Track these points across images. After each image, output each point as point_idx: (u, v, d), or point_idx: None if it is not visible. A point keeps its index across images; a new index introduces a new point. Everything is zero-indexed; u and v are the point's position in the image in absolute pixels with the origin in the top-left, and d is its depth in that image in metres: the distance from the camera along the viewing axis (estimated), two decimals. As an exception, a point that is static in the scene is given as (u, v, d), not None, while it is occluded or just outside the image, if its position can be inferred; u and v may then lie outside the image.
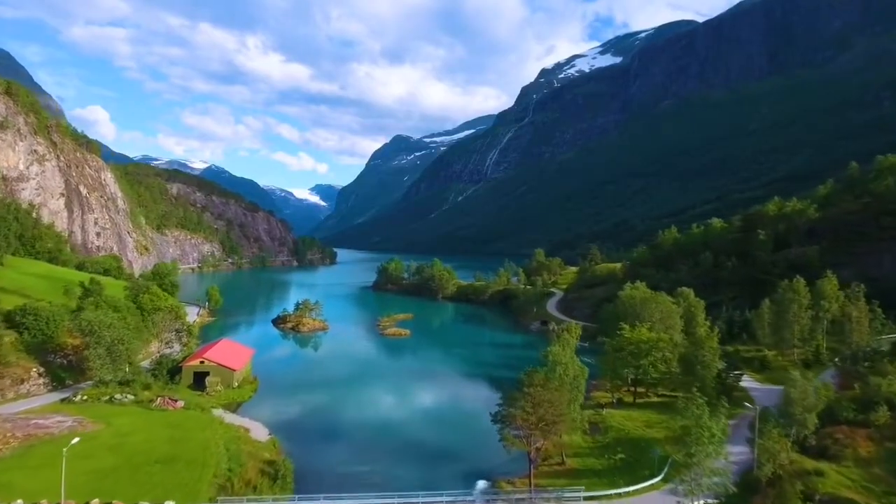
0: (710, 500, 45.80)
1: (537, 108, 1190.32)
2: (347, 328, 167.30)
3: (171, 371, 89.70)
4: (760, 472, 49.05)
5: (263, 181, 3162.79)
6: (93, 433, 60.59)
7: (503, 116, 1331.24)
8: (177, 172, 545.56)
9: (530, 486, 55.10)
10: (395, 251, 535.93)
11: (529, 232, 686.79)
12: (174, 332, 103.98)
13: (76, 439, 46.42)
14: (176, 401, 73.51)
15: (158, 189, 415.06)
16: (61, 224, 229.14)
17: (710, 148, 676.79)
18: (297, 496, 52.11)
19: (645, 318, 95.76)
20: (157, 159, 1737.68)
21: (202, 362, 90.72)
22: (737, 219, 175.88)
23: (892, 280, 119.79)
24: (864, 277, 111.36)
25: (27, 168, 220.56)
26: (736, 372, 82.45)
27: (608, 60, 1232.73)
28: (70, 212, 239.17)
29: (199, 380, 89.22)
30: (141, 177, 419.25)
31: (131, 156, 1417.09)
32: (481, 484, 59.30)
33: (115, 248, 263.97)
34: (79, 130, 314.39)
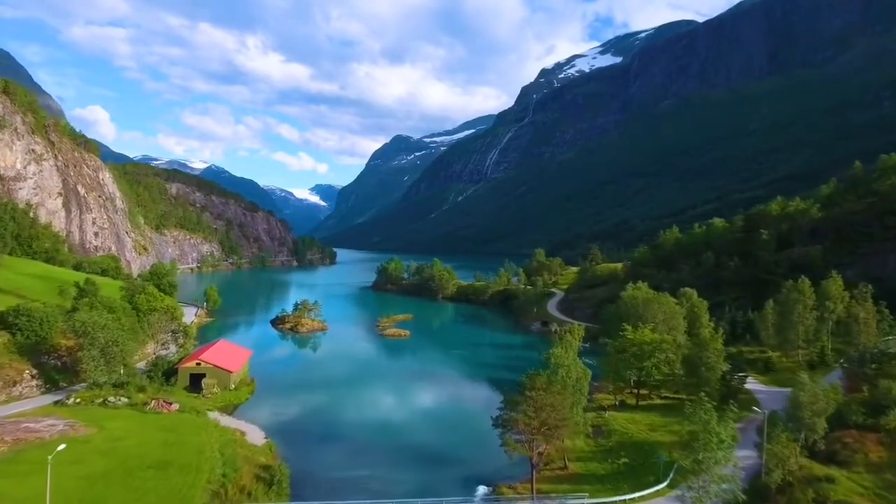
0: (718, 508, 44.48)
1: (537, 108, 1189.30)
2: (346, 329, 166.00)
3: (166, 373, 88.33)
4: (769, 479, 47.70)
5: (263, 181, 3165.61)
6: (85, 437, 59.23)
7: (503, 116, 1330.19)
8: (176, 172, 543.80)
9: (532, 491, 53.80)
10: (395, 251, 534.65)
11: (529, 232, 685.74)
12: (170, 333, 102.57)
13: (62, 446, 44.98)
14: (171, 403, 72.16)
15: (157, 189, 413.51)
16: (59, 224, 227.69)
17: (710, 148, 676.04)
18: (292, 503, 50.82)
19: (648, 319, 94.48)
20: (157, 159, 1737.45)
21: (198, 364, 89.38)
22: (739, 218, 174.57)
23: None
24: (868, 277, 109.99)
25: (24, 167, 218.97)
26: (741, 374, 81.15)
27: (608, 60, 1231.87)
28: (68, 212, 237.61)
29: (196, 382, 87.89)
30: (140, 176, 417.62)
31: (131, 156, 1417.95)
32: (482, 489, 57.98)
33: (113, 249, 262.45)
34: (79, 130, 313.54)
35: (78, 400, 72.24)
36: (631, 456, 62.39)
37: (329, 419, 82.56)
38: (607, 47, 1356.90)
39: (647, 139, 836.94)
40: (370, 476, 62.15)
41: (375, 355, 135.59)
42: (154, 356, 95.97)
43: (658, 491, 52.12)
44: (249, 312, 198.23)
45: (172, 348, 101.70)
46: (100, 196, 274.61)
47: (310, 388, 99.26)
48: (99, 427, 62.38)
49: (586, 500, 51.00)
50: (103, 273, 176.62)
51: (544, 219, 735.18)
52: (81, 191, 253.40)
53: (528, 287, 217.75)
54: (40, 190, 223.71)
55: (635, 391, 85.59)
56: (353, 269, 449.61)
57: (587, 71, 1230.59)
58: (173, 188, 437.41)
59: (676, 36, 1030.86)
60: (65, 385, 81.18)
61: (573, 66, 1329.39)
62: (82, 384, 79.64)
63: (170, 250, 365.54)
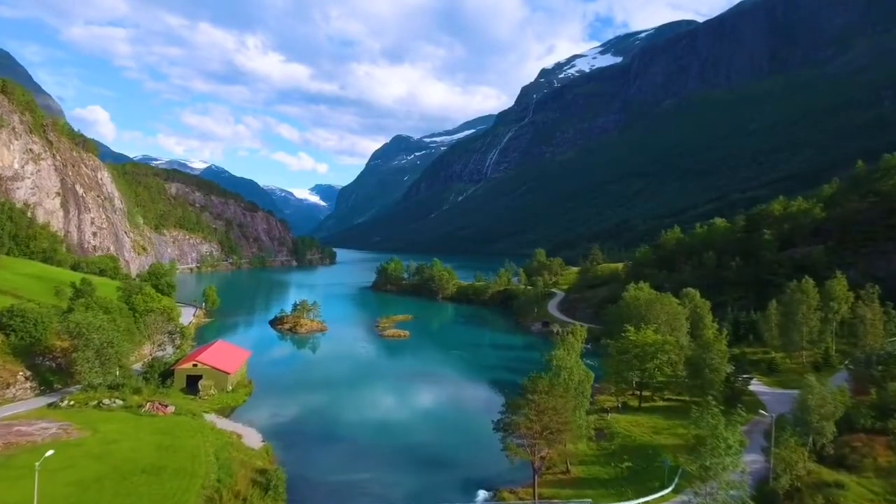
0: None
1: (537, 108, 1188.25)
2: (346, 329, 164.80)
3: (163, 374, 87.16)
4: (777, 484, 46.56)
5: (263, 181, 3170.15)
6: (78, 440, 58.08)
7: (503, 116, 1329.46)
8: (175, 172, 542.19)
9: (534, 497, 52.65)
10: (395, 251, 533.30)
11: (530, 232, 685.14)
12: (167, 334, 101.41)
13: (50, 452, 43.82)
14: (166, 406, 70.99)
15: (157, 189, 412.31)
16: (57, 224, 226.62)
17: (710, 148, 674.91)
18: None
19: (650, 320, 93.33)
20: (157, 159, 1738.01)
21: (195, 365, 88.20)
22: (741, 218, 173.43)
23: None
24: (871, 277, 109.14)
25: (22, 167, 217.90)
26: (745, 375, 79.96)
27: (608, 60, 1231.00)
28: (66, 211, 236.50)
29: (193, 383, 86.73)
30: (139, 176, 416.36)
31: (131, 156, 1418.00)
32: (482, 494, 56.84)
33: (111, 248, 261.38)
34: (79, 130, 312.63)
35: (72, 402, 71.04)
36: (634, 460, 61.26)
37: (328, 421, 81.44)
38: (607, 47, 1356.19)
39: (648, 139, 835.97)
40: (369, 480, 61.09)
41: (375, 356, 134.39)
42: (150, 357, 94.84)
43: (663, 496, 51.01)
44: (248, 313, 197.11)
45: (169, 349, 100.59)
46: (98, 196, 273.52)
47: (308, 390, 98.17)
48: (92, 430, 61.23)
49: (590, 506, 49.90)
50: (101, 273, 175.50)
51: (544, 219, 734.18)
52: (80, 190, 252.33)
53: (529, 287, 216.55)
54: (38, 189, 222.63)
55: (638, 393, 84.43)
56: (352, 269, 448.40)
57: (587, 71, 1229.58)
58: (173, 188, 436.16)
59: (677, 36, 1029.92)
60: (59, 387, 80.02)
61: (573, 65, 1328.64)
62: (77, 386, 78.41)
63: (169, 250, 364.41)
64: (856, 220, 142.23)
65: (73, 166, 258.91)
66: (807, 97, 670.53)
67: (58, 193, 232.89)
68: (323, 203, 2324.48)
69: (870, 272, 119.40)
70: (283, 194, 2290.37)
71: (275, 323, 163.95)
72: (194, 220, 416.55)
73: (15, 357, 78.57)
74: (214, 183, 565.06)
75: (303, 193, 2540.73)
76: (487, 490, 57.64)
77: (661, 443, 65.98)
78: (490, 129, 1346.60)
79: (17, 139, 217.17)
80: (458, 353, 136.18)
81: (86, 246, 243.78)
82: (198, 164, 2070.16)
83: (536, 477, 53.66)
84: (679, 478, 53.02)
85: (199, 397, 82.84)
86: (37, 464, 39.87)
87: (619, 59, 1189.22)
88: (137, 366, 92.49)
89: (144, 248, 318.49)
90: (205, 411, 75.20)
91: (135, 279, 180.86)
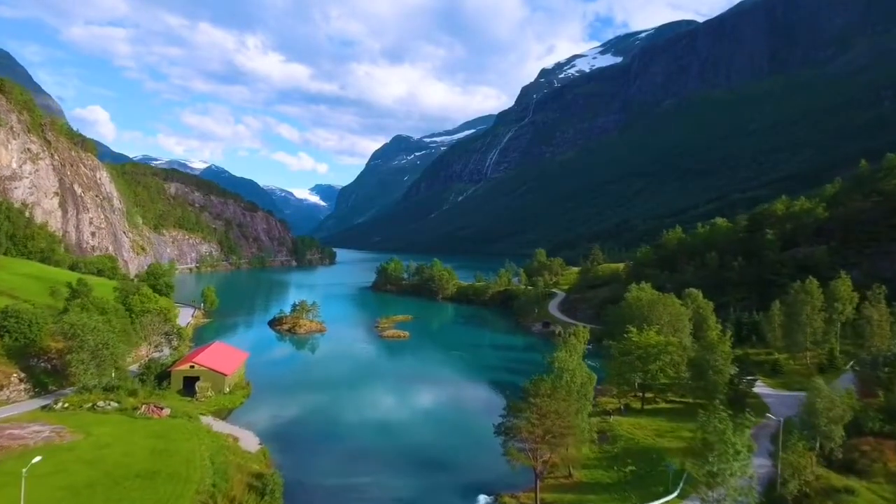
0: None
1: (537, 108, 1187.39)
2: (345, 330, 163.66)
3: (159, 376, 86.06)
4: (785, 490, 45.45)
5: (263, 181, 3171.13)
6: (70, 444, 56.93)
7: (503, 116, 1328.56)
8: (175, 172, 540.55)
9: (536, 502, 51.58)
10: (395, 251, 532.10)
11: (530, 232, 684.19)
12: (164, 335, 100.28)
13: (37, 458, 42.73)
14: (162, 408, 69.87)
15: (156, 188, 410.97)
16: (55, 224, 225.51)
17: (710, 148, 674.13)
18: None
19: (653, 321, 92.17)
20: (157, 159, 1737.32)
21: (192, 366, 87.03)
22: (743, 218, 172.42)
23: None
24: (875, 278, 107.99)
25: (20, 167, 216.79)
26: (749, 377, 78.83)
27: (608, 60, 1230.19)
28: (64, 211, 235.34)
29: (189, 385, 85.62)
30: (139, 176, 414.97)
31: (131, 156, 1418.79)
32: (483, 499, 55.76)
33: (110, 248, 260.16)
34: (79, 130, 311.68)
35: (66, 405, 69.95)
36: (638, 463, 60.15)
37: (326, 423, 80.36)
38: (607, 47, 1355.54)
39: (648, 139, 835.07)
40: (368, 483, 60.07)
41: (374, 357, 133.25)
42: (147, 359, 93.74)
43: (668, 502, 49.92)
44: (247, 313, 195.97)
45: (166, 351, 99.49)
46: (97, 196, 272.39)
47: (307, 391, 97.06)
48: (86, 433, 60.10)
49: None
50: (99, 273, 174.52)
51: (545, 219, 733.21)
52: (78, 190, 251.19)
53: (529, 287, 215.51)
54: (36, 189, 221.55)
55: (640, 395, 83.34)
56: (352, 269, 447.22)
57: (587, 71, 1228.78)
58: (172, 188, 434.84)
59: (677, 36, 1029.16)
60: (54, 389, 78.94)
61: (573, 65, 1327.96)
62: (72, 388, 77.39)
63: (168, 250, 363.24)
64: (859, 219, 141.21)
65: (72, 166, 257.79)
66: (807, 97, 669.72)
67: (56, 193, 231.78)
68: (323, 203, 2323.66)
69: (873, 272, 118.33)
70: (283, 194, 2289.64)
71: (274, 323, 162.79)
72: (194, 220, 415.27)
73: (9, 358, 77.48)
74: (214, 183, 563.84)
75: (303, 193, 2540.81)
76: (488, 495, 56.55)
77: (665, 446, 64.88)
78: (490, 129, 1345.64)
79: (14, 138, 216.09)
80: (458, 354, 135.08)
81: (84, 246, 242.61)
82: (198, 164, 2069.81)
83: (538, 482, 52.58)
84: (684, 483, 51.97)
85: (196, 399, 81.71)
86: (23, 470, 38.76)
87: (619, 59, 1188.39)
88: (134, 367, 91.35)
89: (143, 248, 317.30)
90: (201, 413, 74.00)
91: (133, 279, 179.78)
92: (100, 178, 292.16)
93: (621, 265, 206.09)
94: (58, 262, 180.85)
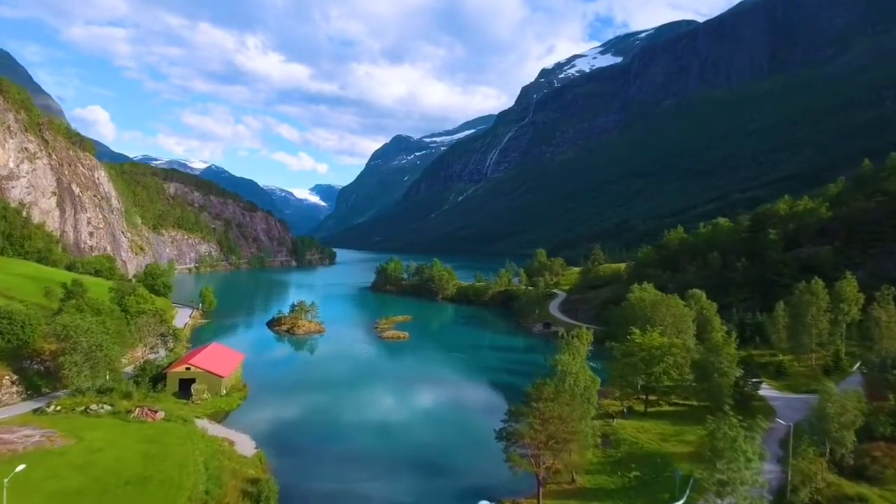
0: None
1: (537, 108, 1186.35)
2: (344, 331, 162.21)
3: (155, 378, 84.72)
4: (796, 497, 44.08)
5: (263, 181, 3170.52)
6: (61, 449, 55.55)
7: (503, 116, 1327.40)
8: (174, 172, 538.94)
9: (538, 509, 50.19)
10: (395, 251, 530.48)
11: (530, 232, 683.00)
12: (159, 337, 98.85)
13: (21, 466, 41.39)
14: (156, 412, 68.45)
15: (155, 188, 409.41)
16: (53, 223, 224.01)
17: (710, 148, 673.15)
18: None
19: (656, 322, 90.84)
20: (157, 159, 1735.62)
21: (188, 368, 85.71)
22: (745, 218, 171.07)
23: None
24: (879, 278, 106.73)
25: (17, 166, 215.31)
26: (755, 380, 77.44)
27: (608, 60, 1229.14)
28: (62, 211, 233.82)
29: (185, 387, 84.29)
30: (137, 176, 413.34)
31: (131, 156, 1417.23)
32: (484, 505, 54.30)
33: (108, 249, 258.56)
34: (79, 130, 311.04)
35: (58, 408, 68.51)
36: (642, 468, 58.73)
37: (324, 426, 78.93)
38: (607, 47, 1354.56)
39: (648, 139, 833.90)
40: (366, 488, 58.67)
41: (374, 358, 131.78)
42: (142, 360, 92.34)
43: (674, 509, 48.57)
44: (246, 314, 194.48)
45: (162, 352, 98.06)
46: (95, 195, 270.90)
47: (305, 393, 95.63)
48: (77, 438, 58.70)
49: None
50: (97, 273, 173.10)
51: (544, 219, 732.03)
52: (76, 190, 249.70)
53: (530, 288, 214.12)
54: (33, 189, 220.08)
55: (643, 397, 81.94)
56: (352, 269, 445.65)
57: (587, 71, 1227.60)
58: (171, 188, 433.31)
59: (677, 36, 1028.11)
60: (47, 391, 77.56)
61: (573, 66, 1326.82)
62: (65, 390, 75.99)
63: (167, 250, 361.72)
64: (863, 219, 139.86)
65: (70, 165, 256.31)
66: (807, 97, 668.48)
67: (53, 193, 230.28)
68: (323, 203, 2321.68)
69: (878, 272, 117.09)
70: (282, 194, 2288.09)
71: (272, 324, 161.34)
72: (193, 220, 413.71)
73: (1, 360, 76.09)
74: (213, 183, 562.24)
75: (303, 193, 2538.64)
76: (489, 500, 55.06)
77: (670, 450, 63.50)
78: (490, 129, 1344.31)
79: (11, 137, 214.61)
80: (458, 355, 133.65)
81: (82, 246, 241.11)
82: (198, 164, 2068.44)
83: (541, 488, 51.19)
84: (691, 489, 50.56)
85: (192, 402, 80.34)
86: (6, 480, 37.32)
87: (619, 59, 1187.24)
88: (129, 369, 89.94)
89: (142, 249, 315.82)
90: (197, 416, 72.62)
91: (131, 280, 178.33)
92: (98, 178, 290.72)
93: (622, 265, 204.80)
94: (55, 262, 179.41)
